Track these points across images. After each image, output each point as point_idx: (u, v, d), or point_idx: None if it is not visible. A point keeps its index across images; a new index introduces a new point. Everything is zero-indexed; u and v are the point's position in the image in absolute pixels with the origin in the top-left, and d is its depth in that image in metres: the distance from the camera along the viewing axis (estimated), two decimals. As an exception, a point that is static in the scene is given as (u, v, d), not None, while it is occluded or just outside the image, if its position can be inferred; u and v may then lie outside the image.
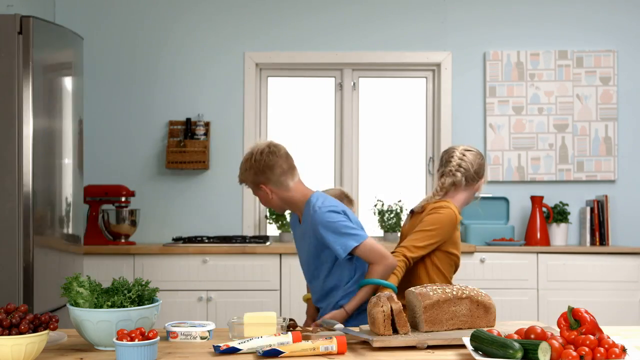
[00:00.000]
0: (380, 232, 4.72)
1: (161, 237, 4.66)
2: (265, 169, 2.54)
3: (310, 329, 2.10)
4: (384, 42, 4.76)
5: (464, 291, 2.04)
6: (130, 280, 1.96)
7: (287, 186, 2.57)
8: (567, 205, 4.61)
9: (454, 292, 2.02)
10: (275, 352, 1.75)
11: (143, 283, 1.92)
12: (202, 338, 1.97)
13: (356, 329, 2.07)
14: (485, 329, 1.76)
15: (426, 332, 1.97)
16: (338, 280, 2.57)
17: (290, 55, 4.76)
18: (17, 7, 3.82)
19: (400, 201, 4.71)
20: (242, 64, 4.75)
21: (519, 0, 4.77)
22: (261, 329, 1.97)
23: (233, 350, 1.80)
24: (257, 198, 4.70)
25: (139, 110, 4.72)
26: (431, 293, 2.00)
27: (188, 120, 4.64)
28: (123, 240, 4.41)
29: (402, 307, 1.97)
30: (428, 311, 1.97)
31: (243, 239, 4.40)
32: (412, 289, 2.07)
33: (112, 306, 1.83)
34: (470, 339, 1.73)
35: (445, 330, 1.99)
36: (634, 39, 4.76)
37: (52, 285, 3.12)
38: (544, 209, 4.58)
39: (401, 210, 4.67)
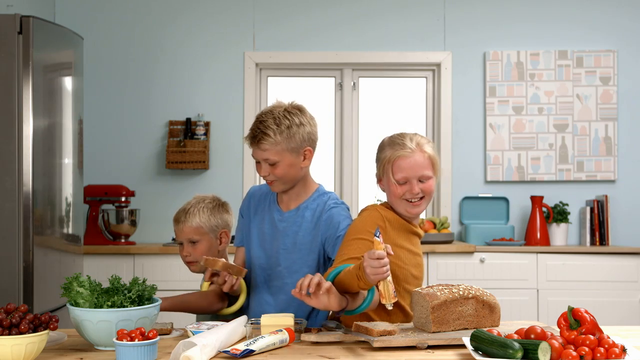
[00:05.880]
0: (380, 232, 4.71)
1: (161, 237, 4.66)
2: (315, 129, 2.28)
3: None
4: (384, 42, 4.76)
5: (470, 291, 2.03)
6: (129, 281, 1.96)
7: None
8: (567, 205, 4.61)
9: (461, 292, 2.01)
10: (248, 352, 1.78)
11: (140, 281, 1.92)
12: None
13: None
14: (486, 329, 1.76)
15: (434, 332, 1.96)
16: None
17: (290, 55, 4.76)
18: (17, 7, 3.82)
19: (400, 201, 4.70)
20: (242, 64, 4.75)
21: (519, 0, 4.77)
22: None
23: (248, 353, 1.79)
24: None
25: (139, 110, 4.72)
26: (438, 293, 1.99)
27: (188, 120, 4.64)
28: (123, 240, 4.41)
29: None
30: (436, 312, 1.96)
31: (243, 239, 4.39)
32: (418, 289, 2.06)
33: (112, 306, 1.83)
34: (470, 339, 1.73)
35: (453, 330, 1.99)
36: (634, 39, 4.76)
37: (52, 285, 3.12)
38: (544, 209, 4.58)
39: (401, 210, 4.67)
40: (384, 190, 2.29)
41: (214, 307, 2.31)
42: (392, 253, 1.89)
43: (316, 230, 2.27)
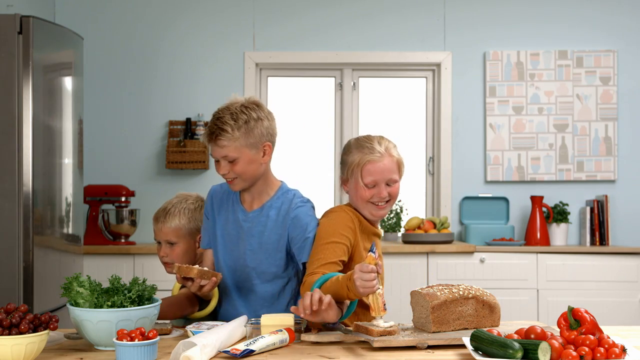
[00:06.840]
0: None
1: (161, 237, 4.65)
2: (274, 124, 2.23)
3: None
4: (384, 42, 4.76)
5: (470, 291, 2.03)
6: (129, 281, 1.96)
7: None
8: (567, 205, 4.61)
9: (461, 292, 2.01)
10: (248, 352, 1.78)
11: (140, 281, 1.92)
12: None
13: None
14: (486, 329, 1.76)
15: (434, 332, 1.96)
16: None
17: (290, 55, 4.76)
18: (17, 7, 3.82)
19: (400, 201, 4.70)
20: (242, 64, 4.75)
21: (519, 0, 4.77)
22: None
23: (248, 353, 1.80)
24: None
25: (139, 110, 4.72)
26: (438, 293, 1.99)
27: (188, 120, 4.64)
28: (123, 240, 4.41)
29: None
30: (436, 312, 1.96)
31: (243, 239, 4.39)
32: (418, 289, 2.06)
33: (112, 306, 1.83)
34: (470, 339, 1.73)
35: (453, 330, 1.99)
36: (634, 39, 4.76)
37: (52, 285, 3.12)
38: (544, 209, 4.58)
39: (401, 210, 4.67)
40: (348, 193, 2.28)
41: (185, 311, 2.28)
42: (380, 272, 1.91)
43: (282, 229, 2.23)
